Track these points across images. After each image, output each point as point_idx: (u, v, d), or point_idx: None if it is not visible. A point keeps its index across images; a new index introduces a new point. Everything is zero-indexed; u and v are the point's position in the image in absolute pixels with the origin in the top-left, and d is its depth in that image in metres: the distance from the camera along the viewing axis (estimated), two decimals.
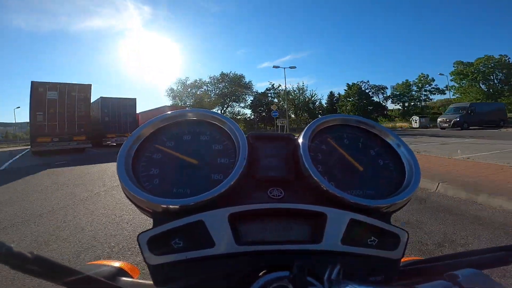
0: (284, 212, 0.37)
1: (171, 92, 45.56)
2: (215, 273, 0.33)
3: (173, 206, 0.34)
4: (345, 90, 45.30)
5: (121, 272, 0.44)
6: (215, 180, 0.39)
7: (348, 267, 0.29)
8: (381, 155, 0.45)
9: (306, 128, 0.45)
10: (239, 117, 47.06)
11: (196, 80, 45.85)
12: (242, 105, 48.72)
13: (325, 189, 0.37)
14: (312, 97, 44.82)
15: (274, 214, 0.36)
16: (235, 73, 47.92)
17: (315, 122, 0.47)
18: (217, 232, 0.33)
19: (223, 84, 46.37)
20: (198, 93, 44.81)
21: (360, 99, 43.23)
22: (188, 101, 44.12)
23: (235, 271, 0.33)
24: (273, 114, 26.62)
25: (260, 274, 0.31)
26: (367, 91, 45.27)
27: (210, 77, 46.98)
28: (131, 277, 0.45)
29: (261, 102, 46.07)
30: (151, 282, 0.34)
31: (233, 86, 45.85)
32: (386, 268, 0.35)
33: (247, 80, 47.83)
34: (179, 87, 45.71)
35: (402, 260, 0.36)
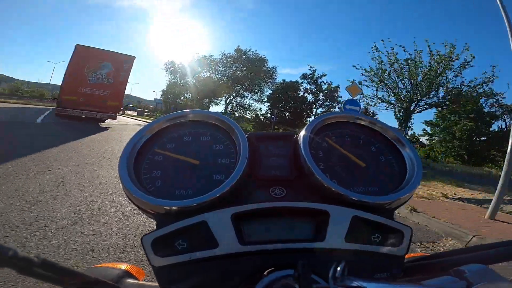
0: (287, 211, 0.36)
1: (171, 66, 35.24)
2: (219, 273, 0.33)
3: (176, 208, 0.34)
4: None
5: (126, 274, 0.44)
6: (217, 180, 0.39)
7: (352, 264, 0.29)
8: (382, 152, 0.45)
9: (306, 126, 0.45)
10: (248, 112, 36.28)
11: (205, 56, 33.99)
12: (256, 97, 35.49)
13: (327, 186, 0.37)
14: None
15: (277, 213, 0.36)
16: (256, 52, 34.10)
17: (315, 120, 0.46)
18: (220, 233, 0.33)
19: (237, 65, 33.66)
20: (201, 75, 33.91)
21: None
22: (190, 79, 34.19)
23: (239, 271, 0.33)
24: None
25: (265, 273, 0.31)
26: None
27: (222, 54, 34.01)
28: (137, 279, 0.45)
29: (285, 94, 31.19)
30: (156, 284, 0.34)
31: (250, 70, 32.74)
32: (391, 265, 0.35)
33: (270, 65, 34.86)
34: (180, 63, 35.51)
35: (407, 256, 0.36)
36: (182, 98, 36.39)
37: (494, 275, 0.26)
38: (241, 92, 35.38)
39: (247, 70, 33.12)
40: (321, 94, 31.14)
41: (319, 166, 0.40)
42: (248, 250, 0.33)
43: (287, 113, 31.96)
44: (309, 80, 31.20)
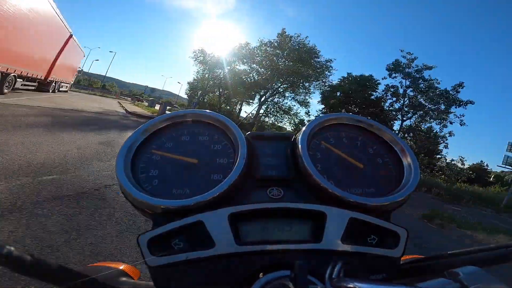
0: (284, 212, 0.36)
1: (200, 55, 27.16)
2: (215, 273, 0.32)
3: (173, 207, 0.34)
4: None
5: (121, 274, 0.44)
6: (215, 180, 0.39)
7: (348, 265, 0.29)
8: (379, 154, 0.45)
9: (305, 127, 0.45)
10: (287, 117, 26.64)
11: (241, 44, 25.59)
12: (300, 97, 25.99)
13: (324, 188, 0.37)
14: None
15: (274, 214, 0.36)
16: (304, 40, 24.25)
17: (313, 121, 0.47)
18: (217, 233, 0.33)
19: (279, 53, 24.70)
20: (234, 68, 25.60)
21: None
22: (220, 72, 26.20)
23: (236, 271, 0.32)
24: None
25: (261, 274, 0.31)
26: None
27: (260, 41, 25.10)
28: (132, 278, 0.45)
29: (353, 94, 21.52)
30: (151, 283, 0.34)
31: (296, 62, 23.02)
32: (387, 266, 0.35)
33: (323, 58, 24.26)
34: (212, 52, 26.87)
35: (402, 258, 0.36)
36: (210, 94, 29.58)
37: (488, 278, 0.26)
38: (280, 89, 25.73)
39: (292, 62, 23.34)
40: (420, 97, 18.82)
41: (317, 167, 0.40)
42: (244, 251, 0.33)
43: None
44: (401, 72, 19.04)
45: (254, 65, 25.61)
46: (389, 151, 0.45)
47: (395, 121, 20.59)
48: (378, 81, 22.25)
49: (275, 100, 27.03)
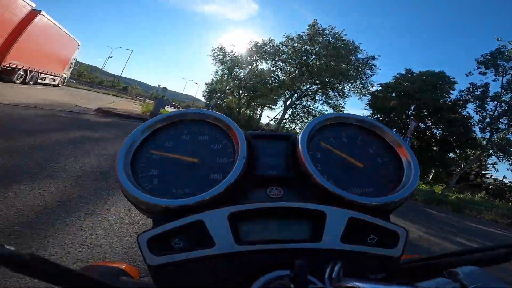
0: (284, 211, 0.37)
1: (219, 53, 24.58)
2: (215, 273, 0.32)
3: (173, 206, 0.34)
4: None
5: (121, 273, 0.44)
6: (215, 179, 0.39)
7: (348, 265, 0.29)
8: (379, 154, 0.45)
9: (305, 126, 0.45)
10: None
11: (264, 42, 22.34)
12: (333, 101, 22.09)
13: (324, 187, 0.37)
14: None
15: (274, 213, 0.36)
16: (339, 34, 20.32)
17: (314, 121, 0.47)
18: (217, 232, 0.33)
19: (308, 49, 20.59)
20: (255, 68, 22.87)
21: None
22: (241, 72, 23.49)
23: (235, 270, 0.32)
24: None
25: (261, 273, 0.31)
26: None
27: (287, 37, 21.52)
28: (132, 278, 0.45)
29: (419, 99, 16.75)
30: (152, 283, 0.34)
31: (330, 59, 19.38)
32: (387, 266, 0.35)
33: (364, 54, 20.19)
34: (232, 51, 24.21)
35: (402, 257, 0.36)
36: (230, 97, 26.69)
37: (488, 277, 0.26)
38: (310, 91, 21.63)
39: (325, 59, 19.15)
40: None
41: (317, 167, 0.40)
42: (244, 250, 0.33)
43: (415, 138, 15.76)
44: (497, 68, 14.55)
45: (280, 63, 21.45)
46: (389, 151, 0.45)
47: (480, 132, 15.34)
48: (453, 80, 17.39)
49: (304, 103, 22.55)
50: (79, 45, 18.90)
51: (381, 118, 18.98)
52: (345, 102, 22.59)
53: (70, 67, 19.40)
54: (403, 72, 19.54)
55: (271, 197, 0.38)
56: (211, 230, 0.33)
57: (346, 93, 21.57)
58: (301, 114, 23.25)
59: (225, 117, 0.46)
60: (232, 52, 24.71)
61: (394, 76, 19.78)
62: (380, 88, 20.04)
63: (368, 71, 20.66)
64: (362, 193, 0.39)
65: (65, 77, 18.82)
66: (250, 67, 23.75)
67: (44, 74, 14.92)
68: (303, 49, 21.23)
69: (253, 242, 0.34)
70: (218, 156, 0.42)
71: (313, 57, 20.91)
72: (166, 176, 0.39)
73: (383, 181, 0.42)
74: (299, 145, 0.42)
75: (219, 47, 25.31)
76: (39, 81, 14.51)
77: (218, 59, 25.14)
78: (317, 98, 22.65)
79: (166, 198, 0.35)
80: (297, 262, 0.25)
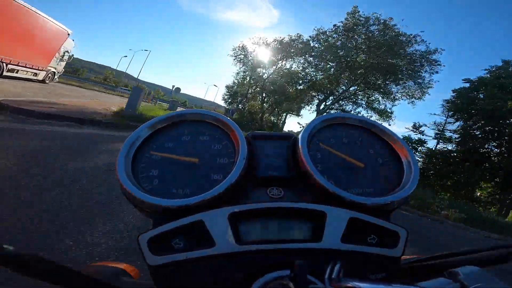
0: (284, 211, 0.37)
1: (240, 52, 21.61)
2: (216, 273, 0.33)
3: (173, 206, 0.34)
4: None
5: (121, 273, 0.44)
6: (215, 180, 0.39)
7: (348, 265, 0.29)
8: (380, 154, 0.45)
9: (305, 127, 0.46)
10: None
11: (291, 38, 18.82)
12: (379, 103, 18.08)
13: (324, 187, 0.37)
14: None
15: (274, 213, 0.36)
16: (388, 22, 15.76)
17: (314, 121, 0.47)
18: (217, 232, 0.33)
19: (346, 44, 16.58)
20: (280, 67, 19.73)
21: None
22: (264, 73, 20.46)
23: (236, 270, 0.32)
24: None
25: (261, 273, 0.31)
26: None
27: (317, 31, 17.81)
28: (132, 278, 0.45)
29: None
30: (152, 282, 0.34)
31: (379, 52, 15.12)
32: (387, 266, 0.35)
33: (421, 46, 15.47)
34: (254, 50, 20.84)
35: (402, 257, 0.36)
36: (252, 101, 23.84)
37: (488, 277, 0.26)
38: (349, 93, 17.62)
39: (370, 53, 15.20)
40: None
41: (317, 167, 0.40)
42: (244, 250, 0.33)
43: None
44: None
45: (311, 59, 17.11)
46: (390, 151, 0.45)
47: None
48: None
49: (343, 107, 17.64)
50: (69, 34, 14.97)
51: (477, 125, 13.90)
52: (394, 106, 17.25)
53: (60, 60, 15.61)
54: (496, 64, 13.93)
55: (271, 197, 0.38)
56: (211, 230, 0.33)
57: (396, 94, 16.27)
58: None
59: (225, 118, 0.46)
60: (254, 51, 21.19)
61: (486, 70, 14.71)
62: (467, 85, 14.57)
63: (427, 68, 15.27)
64: (362, 193, 0.39)
65: (54, 72, 15.27)
66: (274, 67, 20.28)
67: (16, 65, 11.89)
68: (340, 42, 16.43)
69: (253, 242, 0.34)
70: (218, 157, 0.42)
71: (354, 51, 15.85)
72: (166, 176, 0.39)
73: (383, 181, 0.42)
74: (300, 145, 0.42)
75: (240, 45, 21.98)
76: (5, 73, 11.41)
77: (239, 59, 22.06)
78: (358, 101, 17.69)
79: (167, 198, 0.35)
80: (297, 262, 0.25)
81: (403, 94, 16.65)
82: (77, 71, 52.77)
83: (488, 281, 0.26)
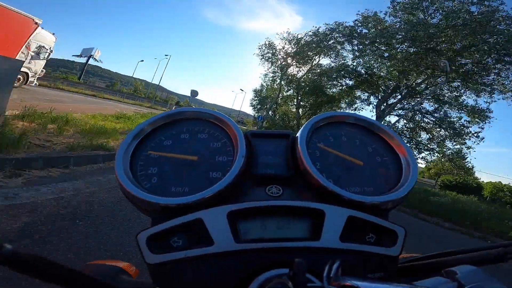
0: (283, 210, 0.37)
1: (268, 50, 18.72)
2: (214, 271, 0.33)
3: (172, 205, 0.34)
4: None
5: (120, 272, 0.44)
6: (214, 178, 0.39)
7: (347, 264, 0.30)
8: (378, 152, 0.45)
9: (304, 125, 0.45)
10: (454, 139, 12.53)
11: (328, 25, 14.97)
12: (469, 98, 12.13)
13: (323, 186, 0.37)
14: None
15: (273, 212, 0.36)
16: None
17: (313, 119, 0.47)
18: (216, 230, 0.33)
19: (415, 21, 10.92)
20: (316, 63, 16.89)
21: None
22: (298, 72, 17.85)
23: (234, 269, 0.33)
24: None
25: (260, 271, 0.31)
26: None
27: (361, 15, 13.48)
28: (131, 277, 0.45)
29: None
30: (150, 281, 0.34)
31: (476, 29, 9.07)
32: (385, 265, 0.35)
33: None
34: (283, 47, 17.77)
35: (400, 256, 0.36)
36: (283, 107, 20.86)
37: (485, 277, 0.26)
38: (421, 87, 13.50)
39: (456, 32, 10.83)
40: None
41: (316, 165, 0.40)
42: (243, 248, 0.33)
43: None
44: None
45: (361, 47, 13.25)
46: (388, 150, 0.45)
47: None
48: None
49: (416, 106, 13.07)
50: (37, 23, 10.97)
51: None
52: (492, 102, 12.08)
53: (34, 58, 11.73)
54: None
55: (270, 195, 0.38)
56: (210, 229, 0.33)
57: (496, 85, 11.59)
58: (411, 123, 13.18)
59: (224, 115, 0.45)
60: (283, 48, 17.72)
61: None
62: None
63: None
64: (361, 192, 0.40)
65: (26, 73, 11.53)
66: (309, 65, 17.08)
67: None
68: (413, 20, 11.93)
69: (252, 241, 0.34)
70: (217, 155, 0.42)
71: (440, 30, 11.05)
72: (165, 175, 0.39)
73: (382, 180, 0.42)
74: (298, 144, 0.42)
75: (267, 43, 18.62)
76: None
77: (266, 58, 18.65)
78: (442, 92, 12.84)
79: (165, 196, 0.35)
80: (296, 261, 0.25)
81: (500, 85, 11.61)
82: (114, 86, 49.83)
83: (485, 281, 0.26)
